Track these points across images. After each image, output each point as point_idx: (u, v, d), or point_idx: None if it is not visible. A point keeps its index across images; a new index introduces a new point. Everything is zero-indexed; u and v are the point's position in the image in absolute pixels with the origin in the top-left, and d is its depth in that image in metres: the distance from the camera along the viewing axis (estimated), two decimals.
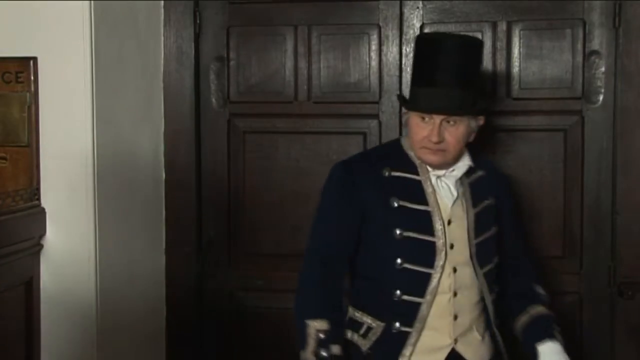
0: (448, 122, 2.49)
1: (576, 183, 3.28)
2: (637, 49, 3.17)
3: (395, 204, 2.55)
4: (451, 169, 2.59)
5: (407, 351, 2.53)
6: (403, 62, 3.35)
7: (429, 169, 2.58)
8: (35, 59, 2.88)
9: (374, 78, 3.37)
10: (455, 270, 2.55)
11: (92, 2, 2.87)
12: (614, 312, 3.28)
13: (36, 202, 2.90)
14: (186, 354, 3.51)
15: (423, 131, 2.51)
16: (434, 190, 2.58)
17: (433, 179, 2.58)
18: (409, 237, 2.54)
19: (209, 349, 3.52)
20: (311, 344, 2.52)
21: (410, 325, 2.53)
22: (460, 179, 2.61)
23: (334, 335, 2.54)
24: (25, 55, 2.88)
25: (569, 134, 3.29)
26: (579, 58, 3.25)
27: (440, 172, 2.58)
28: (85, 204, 2.90)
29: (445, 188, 2.59)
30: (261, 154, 3.46)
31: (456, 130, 2.50)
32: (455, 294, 2.56)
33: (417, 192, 2.57)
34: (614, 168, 3.24)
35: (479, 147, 2.70)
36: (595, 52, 3.24)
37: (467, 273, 2.58)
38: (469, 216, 2.59)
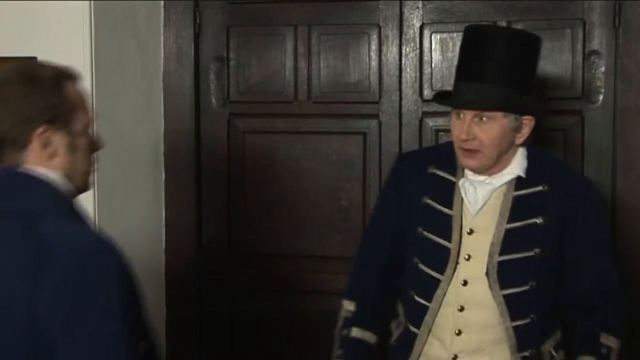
0: (481, 119, 2.32)
1: None
2: (637, 49, 3.17)
3: (424, 203, 2.48)
4: (495, 176, 2.41)
5: (414, 356, 2.49)
6: (403, 62, 3.34)
7: (468, 172, 2.43)
8: (35, 59, 2.88)
9: (373, 78, 3.37)
10: (465, 283, 2.42)
11: (91, 2, 2.88)
12: None
13: None
14: (186, 354, 3.51)
15: (456, 129, 2.37)
16: (463, 196, 2.45)
17: (461, 182, 2.44)
18: (427, 239, 2.47)
19: (209, 349, 3.53)
20: (340, 322, 2.59)
21: (418, 328, 2.49)
22: (505, 189, 2.41)
23: (358, 318, 2.56)
24: (25, 55, 2.88)
25: (569, 134, 3.29)
26: (579, 58, 3.25)
27: (479, 178, 2.42)
28: (85, 204, 2.89)
29: (472, 195, 2.43)
30: (261, 154, 3.47)
31: (489, 128, 2.32)
32: (461, 309, 2.42)
33: (448, 194, 2.46)
34: (613, 168, 3.24)
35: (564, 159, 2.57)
36: (595, 52, 3.24)
37: (480, 290, 2.41)
38: (498, 230, 2.40)
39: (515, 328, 2.41)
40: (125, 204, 3.15)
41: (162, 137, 3.47)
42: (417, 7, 3.34)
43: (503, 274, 2.40)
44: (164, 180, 3.48)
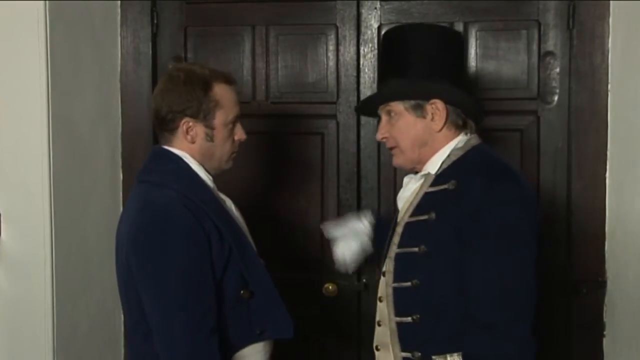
0: (390, 116, 2.36)
1: (532, 183, 3.30)
2: (591, 50, 3.22)
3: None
4: (419, 172, 2.41)
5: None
6: (361, 62, 3.36)
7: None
8: None
9: (331, 78, 3.38)
10: (384, 274, 2.43)
11: (47, 1, 2.85)
12: (570, 310, 3.31)
13: None
14: None
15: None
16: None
17: (405, 179, 2.50)
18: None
19: None
20: None
21: None
22: (421, 184, 2.39)
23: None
24: None
25: (525, 134, 3.33)
26: (534, 59, 3.29)
27: (411, 175, 2.47)
28: (42, 206, 2.88)
29: (403, 190, 2.48)
30: None
31: (396, 122, 2.34)
32: (380, 300, 2.44)
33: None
34: (568, 168, 3.28)
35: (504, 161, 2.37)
36: (550, 53, 3.28)
37: (383, 282, 2.43)
38: (400, 225, 2.40)
39: (399, 325, 2.35)
40: (82, 204, 3.13)
41: (119, 137, 3.45)
42: (375, 8, 3.36)
43: (396, 267, 2.36)
44: (122, 180, 3.46)
